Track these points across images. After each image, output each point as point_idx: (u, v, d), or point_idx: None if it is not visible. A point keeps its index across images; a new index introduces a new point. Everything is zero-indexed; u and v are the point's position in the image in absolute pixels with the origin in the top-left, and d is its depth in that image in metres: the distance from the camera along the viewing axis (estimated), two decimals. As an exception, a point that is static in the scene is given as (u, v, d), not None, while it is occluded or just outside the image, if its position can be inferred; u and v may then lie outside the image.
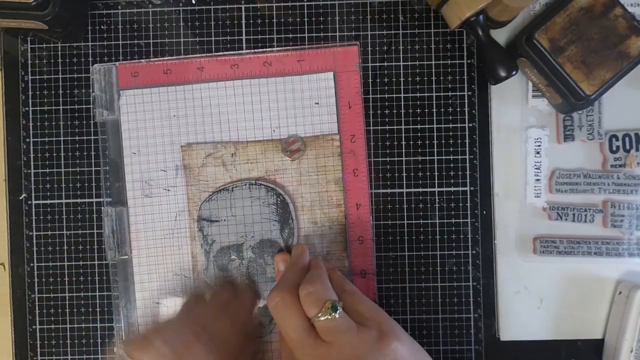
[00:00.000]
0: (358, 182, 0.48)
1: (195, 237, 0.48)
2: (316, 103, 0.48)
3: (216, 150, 0.48)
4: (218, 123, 0.48)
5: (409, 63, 0.49)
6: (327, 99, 0.48)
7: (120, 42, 0.49)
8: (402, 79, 0.49)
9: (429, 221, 0.49)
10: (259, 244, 0.47)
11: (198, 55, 0.49)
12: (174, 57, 0.49)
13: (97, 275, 0.49)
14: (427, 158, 0.49)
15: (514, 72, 0.45)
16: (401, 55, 0.49)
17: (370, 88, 0.49)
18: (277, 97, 0.48)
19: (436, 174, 0.49)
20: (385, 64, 0.49)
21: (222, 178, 0.48)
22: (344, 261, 0.48)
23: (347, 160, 0.48)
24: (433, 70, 0.49)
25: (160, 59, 0.49)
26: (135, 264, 0.48)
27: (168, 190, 0.48)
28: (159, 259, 0.48)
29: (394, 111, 0.49)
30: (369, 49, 0.49)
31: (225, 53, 0.48)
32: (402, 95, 0.49)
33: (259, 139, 0.48)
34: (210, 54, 0.48)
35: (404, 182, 0.49)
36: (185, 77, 0.48)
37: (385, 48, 0.49)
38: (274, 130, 0.48)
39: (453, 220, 0.49)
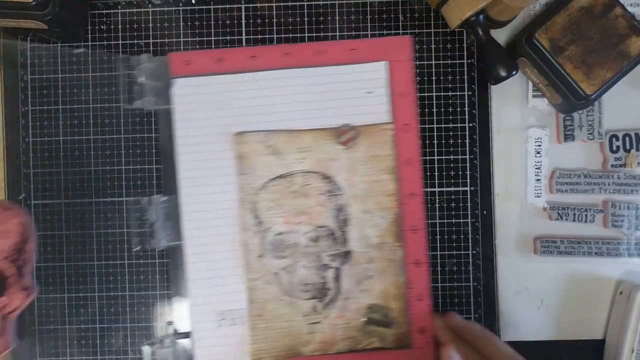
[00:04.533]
0: (412, 171, 0.47)
1: (247, 225, 0.48)
2: (369, 92, 0.47)
3: (268, 139, 0.48)
4: (271, 112, 0.48)
5: (409, 63, 0.49)
6: (380, 88, 0.48)
7: (120, 42, 0.49)
8: (402, 79, 0.49)
9: (429, 221, 0.49)
10: (313, 231, 0.47)
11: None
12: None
13: (96, 275, 0.49)
14: (427, 158, 0.49)
15: (514, 72, 0.45)
16: (401, 55, 0.49)
17: (371, 88, 0.49)
18: (329, 86, 0.48)
19: (436, 174, 0.49)
20: (386, 64, 0.49)
21: (275, 167, 0.48)
22: (398, 251, 0.47)
23: (401, 149, 0.47)
24: (433, 70, 0.49)
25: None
26: (186, 253, 0.48)
27: (220, 178, 0.48)
28: (210, 248, 0.48)
29: (394, 111, 0.49)
30: (369, 49, 0.49)
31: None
32: (402, 95, 0.49)
33: (312, 127, 0.48)
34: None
35: (404, 182, 0.49)
36: (238, 66, 0.48)
37: (385, 48, 0.49)
38: (326, 119, 0.48)
39: (453, 220, 0.49)
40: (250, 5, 0.49)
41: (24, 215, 0.42)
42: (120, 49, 0.49)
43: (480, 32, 0.45)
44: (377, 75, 0.47)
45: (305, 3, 0.49)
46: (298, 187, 0.47)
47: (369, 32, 0.49)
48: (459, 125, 0.49)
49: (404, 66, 0.47)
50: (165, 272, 0.49)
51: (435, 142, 0.49)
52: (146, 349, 0.48)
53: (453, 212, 0.49)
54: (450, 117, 0.49)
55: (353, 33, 0.49)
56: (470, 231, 0.48)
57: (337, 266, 0.47)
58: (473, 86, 0.49)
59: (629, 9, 0.45)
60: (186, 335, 0.48)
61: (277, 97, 0.48)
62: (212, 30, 0.49)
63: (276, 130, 0.48)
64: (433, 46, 0.49)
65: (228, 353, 0.47)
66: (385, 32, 0.49)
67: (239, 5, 0.49)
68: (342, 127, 0.47)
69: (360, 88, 0.48)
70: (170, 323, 0.48)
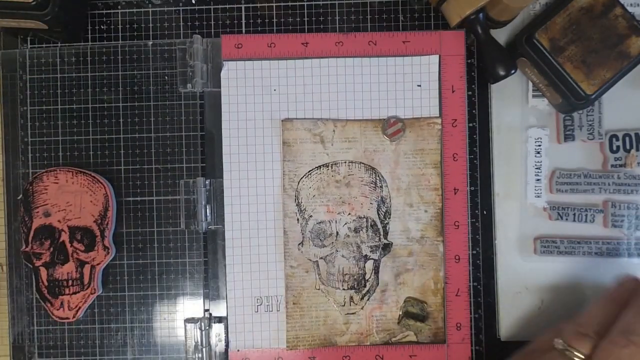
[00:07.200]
0: (457, 167, 0.48)
1: (289, 213, 0.48)
2: (418, 85, 0.47)
3: (315, 127, 0.48)
4: (319, 100, 0.48)
5: (409, 63, 0.49)
6: (430, 82, 0.48)
7: (120, 42, 0.49)
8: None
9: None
10: (354, 221, 0.48)
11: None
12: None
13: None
14: (428, 158, 0.49)
15: (512, 71, 0.45)
16: (401, 55, 0.49)
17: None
18: (379, 77, 0.48)
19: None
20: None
21: (320, 155, 0.48)
22: (439, 246, 0.48)
23: (448, 144, 0.48)
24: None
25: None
26: (227, 237, 0.48)
27: (264, 164, 0.48)
28: (250, 233, 0.48)
29: (394, 111, 0.49)
30: (369, 48, 0.49)
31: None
32: (402, 95, 0.49)
33: (359, 118, 0.48)
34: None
35: (404, 182, 0.49)
36: (289, 52, 0.48)
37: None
38: (374, 110, 0.48)
39: (453, 220, 0.49)
40: (250, 5, 0.49)
41: (107, 188, 0.48)
42: (119, 49, 0.49)
43: (480, 31, 0.45)
44: (429, 68, 0.48)
45: (305, 3, 0.49)
46: (342, 176, 0.48)
47: (369, 32, 0.49)
48: (459, 125, 0.49)
49: (456, 61, 0.48)
50: (204, 255, 0.49)
51: (435, 142, 0.49)
52: (190, 326, 0.48)
53: (453, 212, 0.49)
54: (451, 117, 0.49)
55: (353, 33, 0.49)
56: (470, 231, 0.48)
57: (376, 258, 0.48)
58: (473, 86, 0.49)
59: (629, 9, 0.45)
60: (222, 319, 0.48)
61: (326, 85, 0.48)
62: (212, 31, 0.49)
63: (323, 119, 0.48)
64: (433, 46, 0.49)
65: (263, 339, 0.47)
66: (385, 32, 0.49)
67: (239, 5, 0.49)
68: (390, 119, 0.47)
69: (410, 81, 0.48)
70: (207, 309, 0.49)
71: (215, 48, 0.48)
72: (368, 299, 0.48)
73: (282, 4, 0.49)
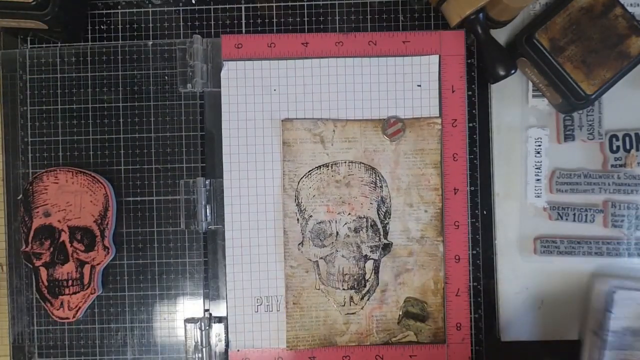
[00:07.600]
0: (457, 167, 0.48)
1: (289, 213, 0.48)
2: (418, 85, 0.48)
3: (315, 127, 0.48)
4: (319, 100, 0.48)
5: (409, 63, 0.49)
6: (430, 82, 0.48)
7: (120, 42, 0.49)
8: (402, 79, 0.49)
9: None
10: (354, 221, 0.48)
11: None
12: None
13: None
14: (428, 158, 0.49)
15: (512, 71, 0.45)
16: (401, 55, 0.49)
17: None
18: (379, 77, 0.48)
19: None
20: (386, 63, 0.49)
21: (320, 155, 0.48)
22: (439, 246, 0.48)
23: (448, 144, 0.48)
24: (433, 70, 0.49)
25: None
26: (227, 237, 0.48)
27: (264, 164, 0.48)
28: (250, 233, 0.48)
29: (394, 111, 0.49)
30: (369, 48, 0.49)
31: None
32: (402, 95, 0.49)
33: (359, 118, 0.48)
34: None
35: (404, 182, 0.49)
36: (289, 52, 0.48)
37: (385, 48, 0.49)
38: (374, 110, 0.48)
39: (453, 220, 0.49)
40: (250, 5, 0.49)
41: (107, 188, 0.48)
42: (119, 49, 0.49)
43: (480, 31, 0.45)
44: (429, 68, 0.48)
45: (305, 3, 0.49)
46: (342, 176, 0.48)
47: (369, 32, 0.49)
48: (459, 125, 0.49)
49: (456, 61, 0.48)
50: (204, 255, 0.49)
51: (435, 142, 0.49)
52: (190, 326, 0.48)
53: (453, 212, 0.49)
54: (451, 117, 0.49)
55: (353, 33, 0.49)
56: (470, 231, 0.48)
57: (376, 258, 0.48)
58: (473, 86, 0.49)
59: (629, 9, 0.45)
60: (222, 319, 0.48)
61: (326, 85, 0.48)
62: (212, 31, 0.49)
63: (323, 119, 0.48)
64: (433, 46, 0.49)
65: (263, 339, 0.48)
66: (385, 32, 0.49)
67: (239, 5, 0.49)
68: (390, 119, 0.47)
69: (410, 81, 0.48)
70: (207, 309, 0.49)
71: (215, 48, 0.48)
72: (368, 299, 0.48)
73: (282, 4, 0.49)
